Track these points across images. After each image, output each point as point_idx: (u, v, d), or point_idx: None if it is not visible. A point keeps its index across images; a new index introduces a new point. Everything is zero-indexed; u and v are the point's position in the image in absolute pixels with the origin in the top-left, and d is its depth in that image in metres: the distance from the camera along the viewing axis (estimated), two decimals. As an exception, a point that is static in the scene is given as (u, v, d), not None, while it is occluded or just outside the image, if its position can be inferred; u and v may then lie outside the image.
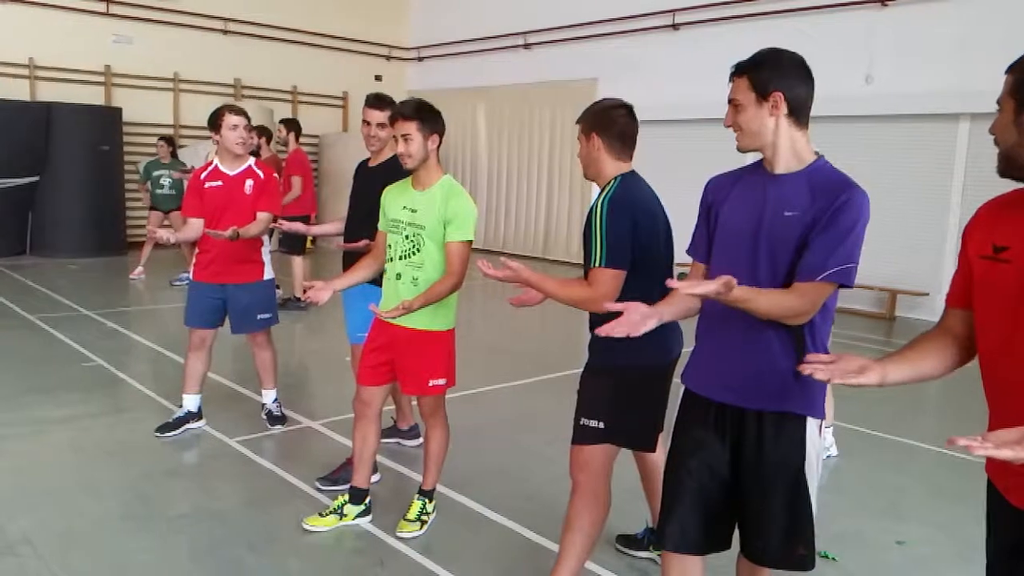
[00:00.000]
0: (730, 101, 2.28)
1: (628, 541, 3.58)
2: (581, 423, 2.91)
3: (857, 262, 2.13)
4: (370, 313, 3.50)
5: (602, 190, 2.88)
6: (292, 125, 9.05)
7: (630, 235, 2.75)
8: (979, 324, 1.81)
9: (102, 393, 5.68)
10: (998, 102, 1.75)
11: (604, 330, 2.12)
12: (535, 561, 3.46)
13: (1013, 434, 1.42)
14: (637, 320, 2.11)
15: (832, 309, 2.26)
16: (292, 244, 8.84)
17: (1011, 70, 1.73)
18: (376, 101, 4.15)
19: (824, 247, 2.10)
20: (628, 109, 2.95)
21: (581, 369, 3.00)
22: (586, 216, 2.85)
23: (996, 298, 1.74)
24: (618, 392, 2.86)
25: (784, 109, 2.19)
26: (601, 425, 2.86)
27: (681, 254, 2.68)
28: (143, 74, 13.60)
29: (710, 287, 1.93)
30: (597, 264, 2.73)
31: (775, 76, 2.19)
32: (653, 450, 3.08)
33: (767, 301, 2.09)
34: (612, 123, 2.90)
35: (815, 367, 1.74)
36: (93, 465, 4.40)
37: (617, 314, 2.14)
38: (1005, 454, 1.39)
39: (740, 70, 2.25)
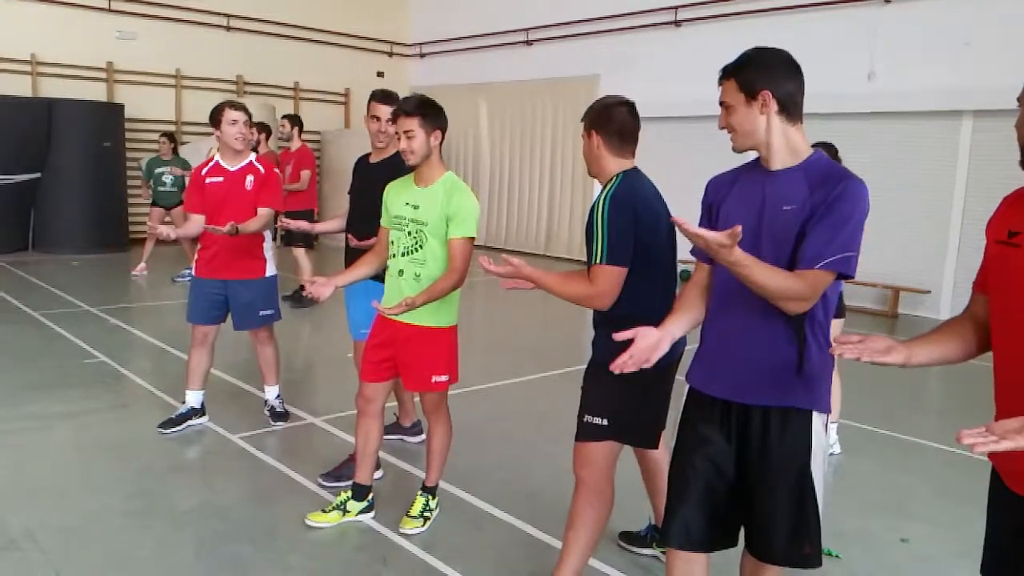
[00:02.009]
0: (721, 104, 2.30)
1: (631, 538, 3.57)
2: (585, 420, 2.91)
3: (857, 251, 2.12)
4: (372, 310, 3.50)
5: (604, 187, 2.88)
6: (296, 121, 9.08)
7: (632, 232, 2.75)
8: (992, 306, 1.86)
9: (104, 389, 5.68)
10: (1019, 100, 1.80)
11: (616, 366, 2.17)
12: (538, 558, 3.45)
13: (1015, 423, 1.45)
14: (650, 347, 2.17)
15: (834, 304, 2.25)
16: (300, 237, 8.78)
17: None
18: (384, 97, 4.15)
19: (822, 236, 2.10)
20: (629, 106, 2.95)
21: (584, 365, 3.00)
22: (588, 213, 2.84)
23: (1008, 281, 1.79)
24: (622, 389, 2.85)
25: (774, 107, 2.20)
26: (605, 422, 2.86)
27: (684, 252, 2.67)
28: (146, 70, 13.60)
29: (715, 235, 1.91)
30: (599, 261, 2.73)
31: (761, 75, 2.21)
32: (655, 447, 3.08)
33: (765, 272, 2.05)
34: (611, 120, 2.91)
35: (844, 347, 1.77)
36: (95, 461, 4.40)
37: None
38: (1006, 445, 1.41)
39: (727, 73, 2.27)
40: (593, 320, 2.95)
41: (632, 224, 2.75)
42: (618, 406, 2.86)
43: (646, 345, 2.17)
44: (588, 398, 2.93)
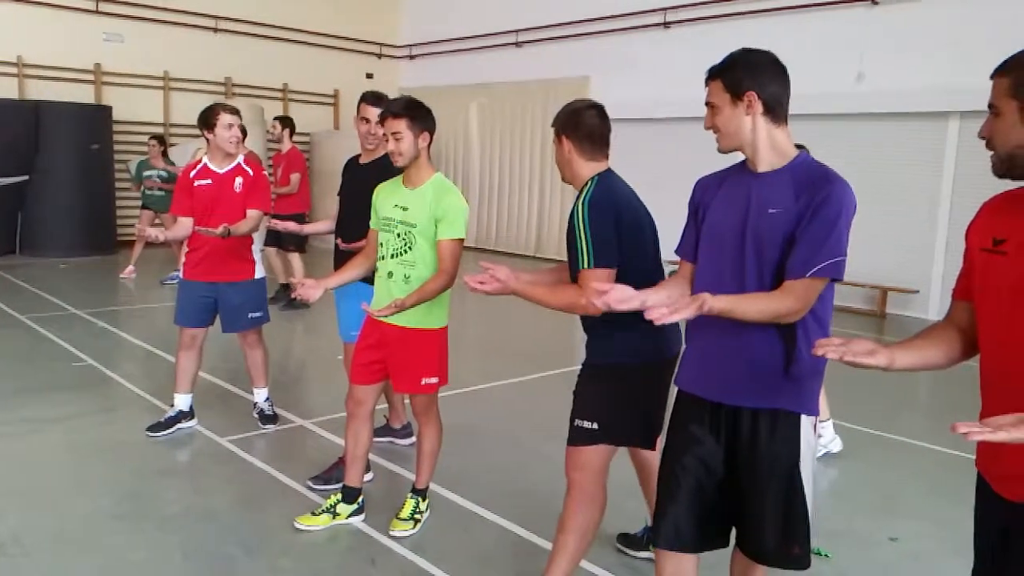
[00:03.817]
0: (707, 104, 2.30)
1: (628, 540, 3.56)
2: (576, 424, 2.89)
3: (845, 255, 2.14)
4: (362, 312, 3.49)
5: (580, 192, 2.84)
6: (287, 122, 9.01)
7: (615, 233, 2.72)
8: (979, 314, 1.86)
9: (93, 392, 5.65)
10: (990, 105, 1.75)
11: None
12: (528, 560, 3.45)
13: (1010, 418, 1.47)
14: (623, 297, 2.18)
15: (828, 308, 2.25)
16: (293, 241, 8.72)
17: (1004, 72, 1.73)
18: (374, 98, 4.15)
19: (810, 243, 2.11)
20: (599, 109, 2.92)
21: (576, 366, 2.99)
22: (568, 220, 2.82)
23: (994, 288, 1.79)
24: (613, 392, 2.85)
25: (759, 108, 2.22)
26: (595, 426, 2.84)
27: (669, 253, 2.66)
28: (133, 72, 13.52)
29: (685, 312, 1.96)
30: (586, 266, 2.70)
31: (747, 76, 2.22)
32: (652, 448, 3.06)
33: (754, 307, 2.10)
34: (580, 124, 2.87)
35: (827, 348, 1.77)
36: (84, 464, 4.38)
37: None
38: (1002, 436, 1.43)
39: (713, 73, 2.28)
40: (583, 323, 2.93)
41: (614, 226, 2.73)
42: (609, 409, 2.84)
43: (622, 295, 2.19)
44: (579, 402, 2.92)
